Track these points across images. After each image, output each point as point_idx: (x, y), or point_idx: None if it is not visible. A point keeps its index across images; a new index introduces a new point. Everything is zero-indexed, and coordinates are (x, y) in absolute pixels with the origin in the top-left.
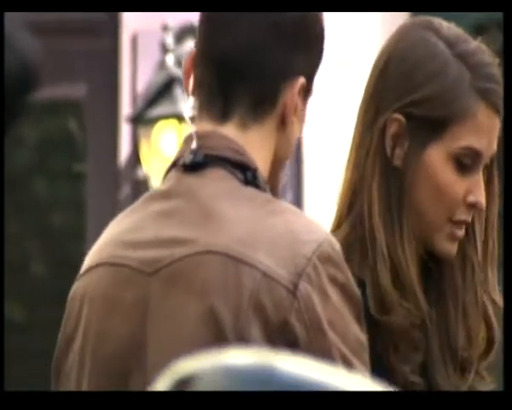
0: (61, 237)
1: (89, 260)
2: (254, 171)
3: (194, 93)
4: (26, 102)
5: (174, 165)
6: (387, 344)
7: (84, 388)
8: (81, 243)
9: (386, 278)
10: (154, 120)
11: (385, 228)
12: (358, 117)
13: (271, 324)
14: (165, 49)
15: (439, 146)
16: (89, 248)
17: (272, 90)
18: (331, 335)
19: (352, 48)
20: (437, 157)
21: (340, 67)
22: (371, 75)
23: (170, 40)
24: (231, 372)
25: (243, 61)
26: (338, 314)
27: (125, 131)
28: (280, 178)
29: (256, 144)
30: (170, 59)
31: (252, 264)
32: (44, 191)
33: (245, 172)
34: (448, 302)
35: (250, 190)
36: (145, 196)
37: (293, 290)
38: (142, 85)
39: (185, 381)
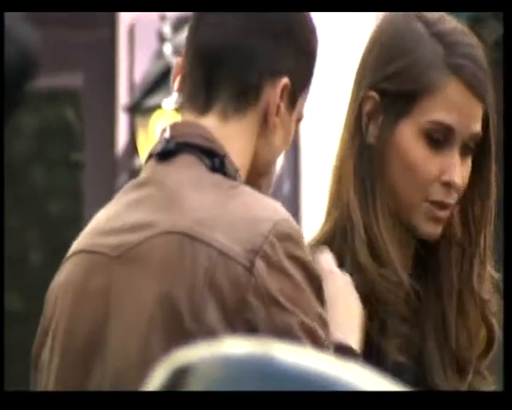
0: (58, 225)
1: (69, 251)
2: (222, 158)
3: (181, 86)
4: (26, 92)
5: (150, 156)
6: (374, 323)
7: (52, 379)
8: (79, 232)
9: (364, 255)
10: (151, 110)
11: (360, 206)
12: (348, 103)
13: (229, 303)
14: (162, 39)
15: (409, 121)
16: None
17: (255, 83)
18: (292, 309)
19: (340, 43)
20: (408, 133)
21: (328, 62)
22: (358, 63)
23: (167, 29)
24: (229, 362)
25: (228, 51)
26: (298, 290)
27: (122, 120)
28: (264, 184)
29: (236, 134)
30: (167, 48)
31: (208, 242)
32: (42, 180)
33: (213, 158)
34: (444, 300)
35: (216, 177)
36: (125, 187)
37: (250, 268)
38: (139, 75)
39: (183, 370)
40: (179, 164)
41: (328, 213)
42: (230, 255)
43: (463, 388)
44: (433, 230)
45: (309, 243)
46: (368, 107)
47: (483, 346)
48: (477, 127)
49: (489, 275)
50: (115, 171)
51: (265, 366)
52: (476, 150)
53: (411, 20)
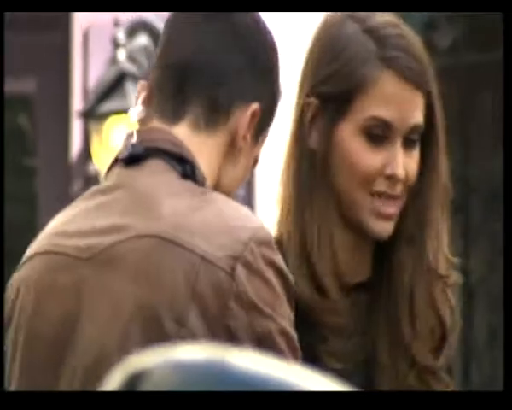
0: (12, 231)
1: (27, 252)
2: (192, 164)
3: (148, 98)
4: None
5: (115, 162)
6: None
7: (16, 372)
8: (33, 237)
9: (301, 284)
10: (105, 115)
11: (296, 219)
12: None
13: (211, 310)
14: (116, 44)
15: (348, 121)
16: None
17: (226, 103)
18: (271, 314)
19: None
20: (347, 133)
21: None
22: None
23: (121, 35)
24: (183, 368)
25: (201, 66)
26: (275, 295)
27: (76, 126)
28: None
29: (205, 147)
30: (121, 54)
31: (189, 248)
32: None
33: (183, 164)
34: (397, 299)
35: (187, 183)
36: (85, 194)
37: (232, 273)
38: (93, 80)
39: (137, 376)
40: (149, 169)
41: (277, 223)
42: (213, 261)
43: (418, 386)
44: (382, 227)
45: None
46: (309, 112)
47: (433, 341)
48: (417, 118)
49: (447, 265)
50: (69, 176)
51: (219, 372)
52: (423, 141)
53: (345, 20)
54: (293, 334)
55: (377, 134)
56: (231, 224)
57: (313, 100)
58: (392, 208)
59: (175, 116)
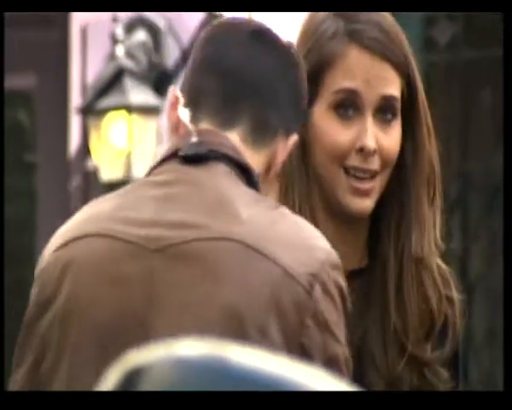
0: (12, 226)
1: (68, 233)
2: (257, 175)
3: (191, 98)
4: None
5: (166, 158)
6: None
7: (69, 352)
8: (32, 233)
9: None
10: (103, 111)
11: (281, 198)
12: None
13: (290, 325)
14: (114, 40)
15: (320, 100)
16: (40, 237)
17: (273, 127)
18: (339, 339)
19: None
20: (320, 112)
21: None
22: None
23: (119, 31)
24: (182, 364)
25: (256, 83)
26: (340, 319)
27: (74, 121)
28: None
29: (251, 162)
30: (119, 50)
31: (272, 259)
32: None
33: (247, 173)
34: (387, 282)
35: (256, 193)
36: (134, 184)
37: (310, 291)
38: (91, 76)
39: (136, 372)
40: (214, 170)
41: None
42: (295, 276)
43: (406, 374)
44: (359, 204)
45: None
46: None
47: (425, 329)
48: (388, 90)
49: (434, 251)
50: (68, 172)
51: (219, 368)
52: (405, 123)
53: (323, 14)
54: (351, 361)
55: (347, 109)
56: (308, 241)
57: None
58: (368, 184)
59: (226, 124)
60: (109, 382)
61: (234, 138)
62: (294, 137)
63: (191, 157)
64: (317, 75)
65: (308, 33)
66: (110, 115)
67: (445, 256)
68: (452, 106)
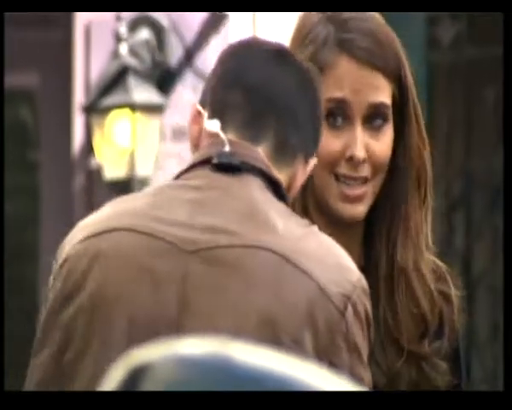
0: (15, 224)
1: (94, 226)
2: (286, 190)
3: (214, 110)
4: None
5: (196, 164)
6: None
7: (96, 346)
8: (35, 231)
9: None
10: (107, 110)
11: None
12: None
13: (322, 342)
14: (118, 39)
15: None
16: (43, 235)
17: (292, 149)
18: (365, 363)
19: None
20: None
21: None
22: None
23: (123, 30)
24: (186, 362)
25: (281, 102)
26: (365, 344)
27: (78, 120)
28: None
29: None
30: (123, 48)
31: (308, 274)
32: None
33: (276, 188)
34: (379, 286)
35: (285, 207)
36: (163, 186)
37: (343, 312)
38: (95, 75)
39: (140, 370)
40: (246, 181)
41: None
42: (330, 296)
43: (405, 369)
44: (349, 210)
45: None
46: None
47: (419, 327)
48: (378, 98)
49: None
50: (71, 170)
51: (222, 366)
52: (396, 121)
53: (315, 18)
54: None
55: (336, 118)
56: (340, 262)
57: None
58: (359, 190)
59: (253, 139)
60: (113, 379)
61: (262, 154)
62: (314, 161)
63: (224, 166)
64: None
65: (299, 40)
66: (114, 114)
67: (448, 254)
68: (455, 105)
